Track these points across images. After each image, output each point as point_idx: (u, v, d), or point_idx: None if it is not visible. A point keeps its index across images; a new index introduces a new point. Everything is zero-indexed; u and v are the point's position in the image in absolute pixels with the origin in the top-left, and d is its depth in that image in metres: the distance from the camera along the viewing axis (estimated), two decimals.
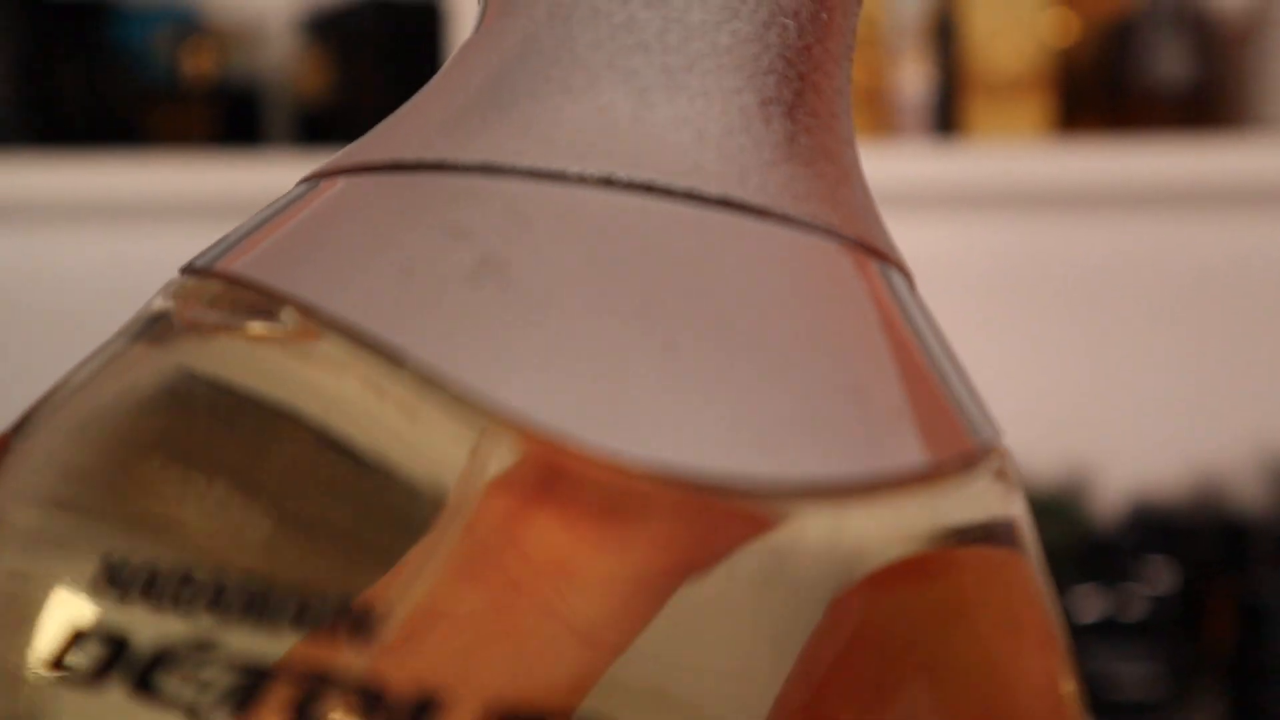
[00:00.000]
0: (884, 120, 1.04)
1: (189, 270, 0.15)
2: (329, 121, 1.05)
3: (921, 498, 0.13)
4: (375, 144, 0.14)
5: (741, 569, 0.12)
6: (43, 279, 1.20)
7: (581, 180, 0.13)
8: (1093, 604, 0.96)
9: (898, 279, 0.15)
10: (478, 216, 0.13)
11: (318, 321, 0.12)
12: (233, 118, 1.08)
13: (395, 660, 0.11)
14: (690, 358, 0.12)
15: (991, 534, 0.14)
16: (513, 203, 0.13)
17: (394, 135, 0.14)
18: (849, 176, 0.15)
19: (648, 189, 0.13)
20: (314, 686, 0.11)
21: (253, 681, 0.11)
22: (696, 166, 0.13)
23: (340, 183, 0.14)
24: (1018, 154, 1.01)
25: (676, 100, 0.13)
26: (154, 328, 0.15)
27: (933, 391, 0.14)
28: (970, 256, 1.14)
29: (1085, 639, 0.96)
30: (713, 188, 0.13)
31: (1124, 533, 1.05)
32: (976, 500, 0.13)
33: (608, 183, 0.13)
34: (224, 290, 0.14)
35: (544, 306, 0.12)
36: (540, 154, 0.13)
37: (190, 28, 1.10)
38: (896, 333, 0.13)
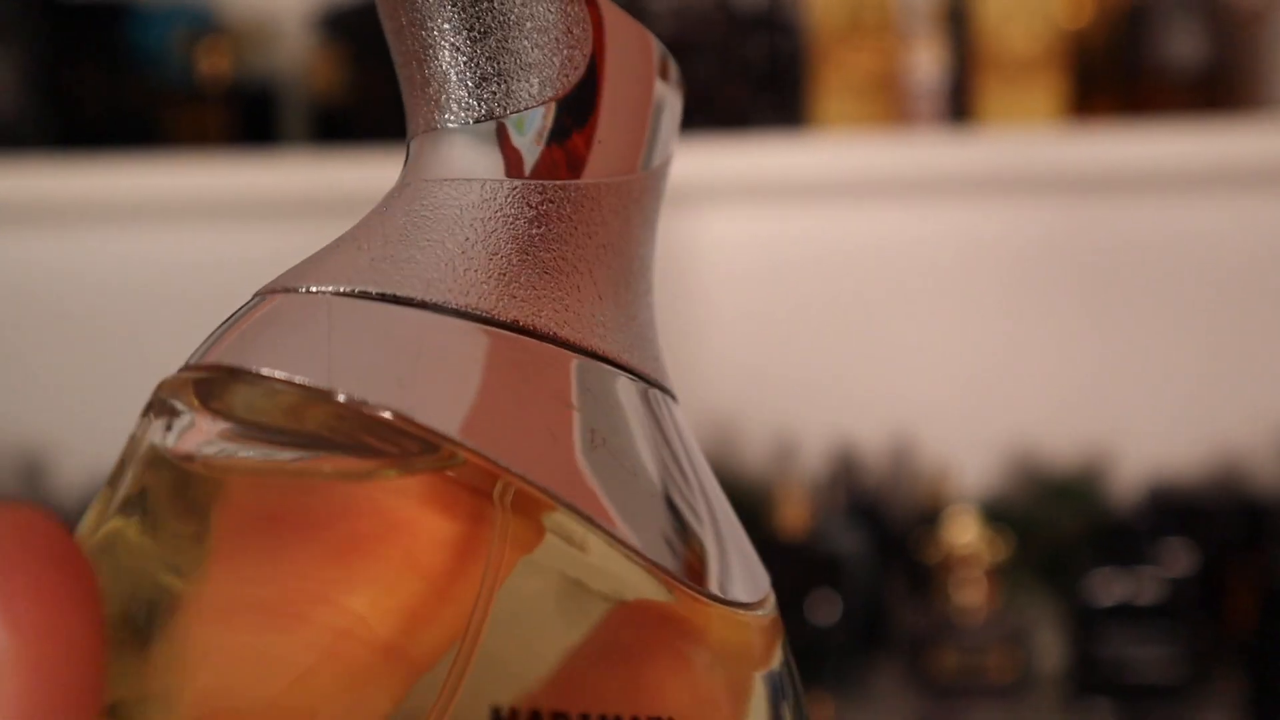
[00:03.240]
0: (898, 107, 1.04)
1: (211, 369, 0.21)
2: (344, 119, 1.06)
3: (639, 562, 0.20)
4: (322, 271, 0.22)
5: (556, 581, 0.19)
6: (63, 279, 1.22)
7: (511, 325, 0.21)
8: (1111, 587, 0.96)
9: (658, 397, 0.22)
10: (455, 343, 0.20)
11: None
12: (249, 117, 1.09)
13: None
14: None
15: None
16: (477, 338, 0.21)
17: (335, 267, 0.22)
18: (651, 331, 0.23)
19: (562, 342, 0.21)
20: None
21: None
22: (600, 325, 0.22)
23: (298, 299, 0.21)
24: (1032, 139, 1.01)
25: (572, 282, 0.22)
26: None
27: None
28: (987, 241, 1.14)
29: (1104, 623, 0.96)
30: (608, 348, 0.22)
31: (1142, 515, 1.05)
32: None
33: (488, 320, 0.21)
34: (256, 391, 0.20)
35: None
36: (498, 310, 0.21)
37: (205, 28, 1.11)
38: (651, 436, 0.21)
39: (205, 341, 0.22)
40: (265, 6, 1.16)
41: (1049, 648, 1.02)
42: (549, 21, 0.23)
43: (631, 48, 0.23)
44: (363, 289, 0.21)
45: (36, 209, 1.13)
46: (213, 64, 1.07)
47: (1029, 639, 0.98)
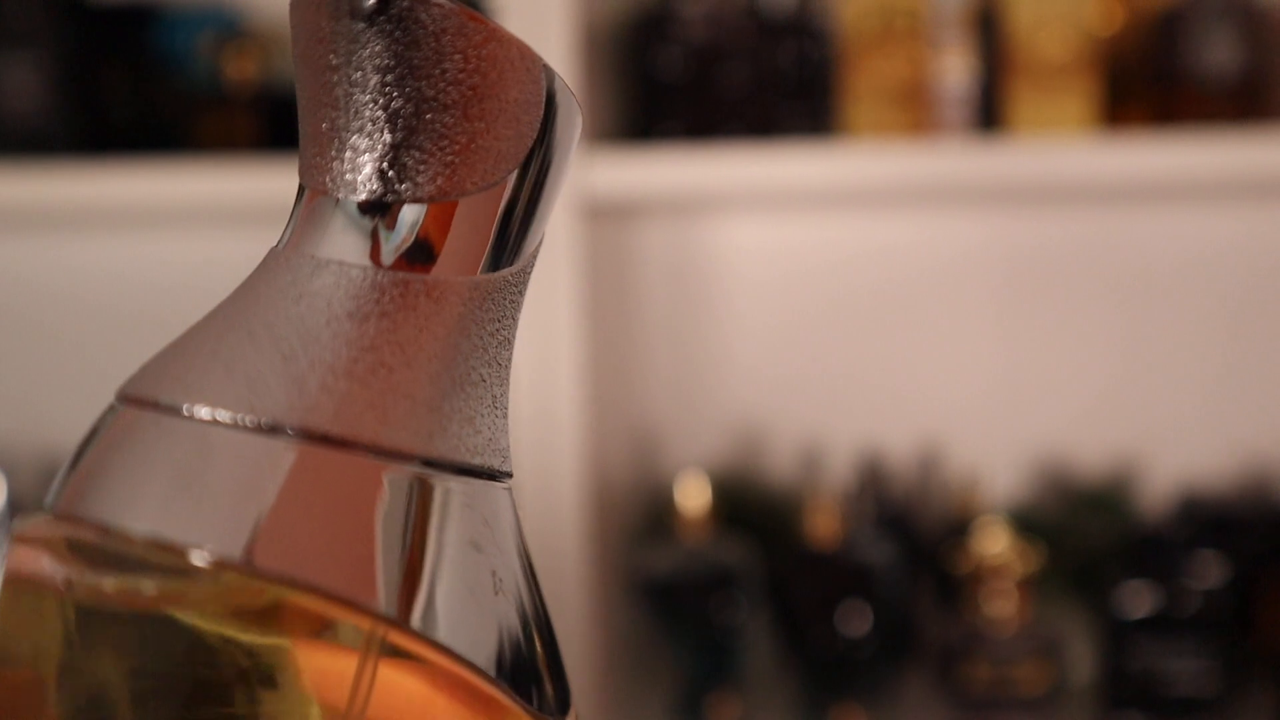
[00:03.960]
0: (927, 115, 1.03)
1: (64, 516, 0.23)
2: None
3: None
4: (185, 381, 0.23)
5: None
6: (88, 283, 1.21)
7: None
8: (1142, 599, 0.95)
9: (457, 489, 0.24)
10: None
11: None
12: (275, 122, 1.08)
13: None
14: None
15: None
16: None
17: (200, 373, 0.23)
18: (489, 416, 0.24)
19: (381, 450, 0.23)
20: None
21: None
22: (432, 423, 0.24)
23: (153, 418, 0.22)
24: (1062, 148, 1.00)
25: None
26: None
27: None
28: (1016, 250, 1.13)
29: (1136, 635, 0.95)
30: (440, 449, 0.24)
31: (1174, 526, 1.04)
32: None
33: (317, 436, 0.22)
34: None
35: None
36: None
37: (232, 32, 1.10)
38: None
39: (69, 466, 0.23)
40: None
41: (1080, 659, 1.01)
42: (469, 127, 0.23)
43: (509, 154, 0.24)
44: (223, 416, 0.22)
45: (62, 214, 1.13)
46: (239, 68, 1.07)
47: (1061, 651, 0.97)
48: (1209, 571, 0.97)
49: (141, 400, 0.22)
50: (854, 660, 0.97)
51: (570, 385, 0.94)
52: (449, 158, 0.22)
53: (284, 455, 0.21)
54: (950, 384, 1.15)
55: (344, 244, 0.23)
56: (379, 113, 0.22)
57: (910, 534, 1.06)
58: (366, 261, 0.22)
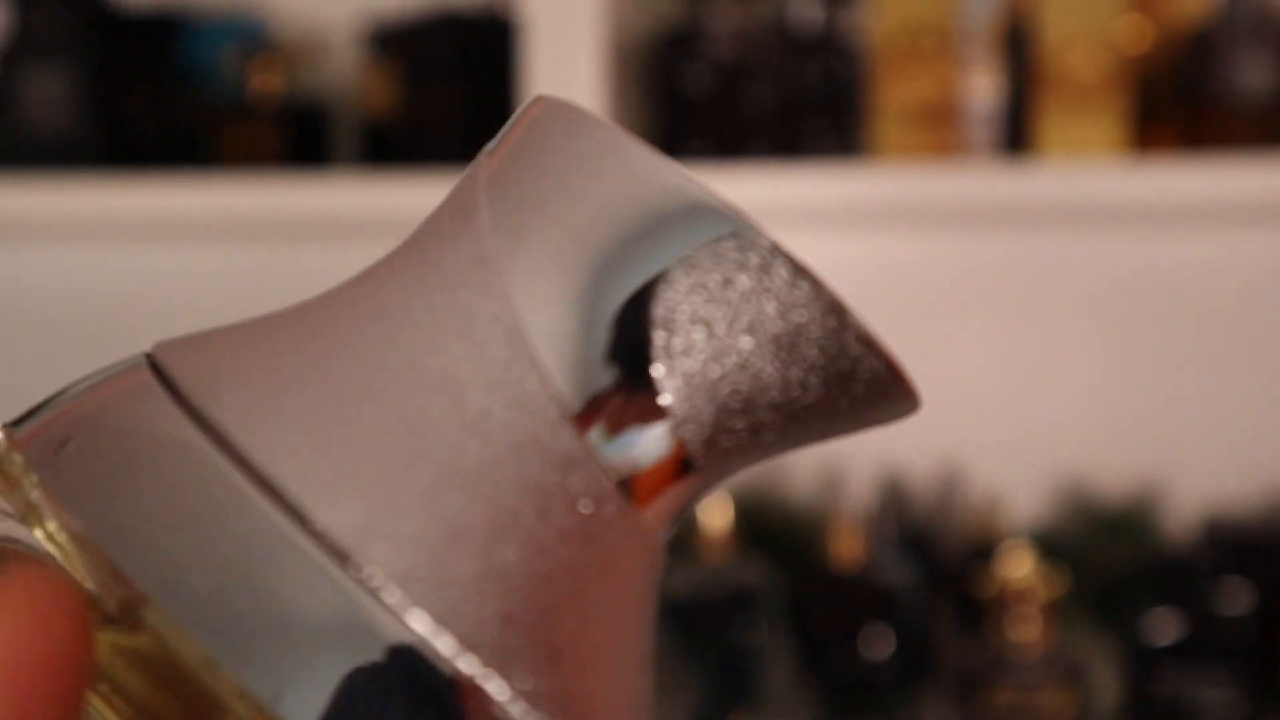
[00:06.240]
0: (954, 135, 1.02)
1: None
2: (396, 139, 1.05)
3: None
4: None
5: None
6: (110, 296, 1.21)
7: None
8: (1168, 626, 0.94)
9: None
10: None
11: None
12: (299, 136, 1.08)
13: None
14: None
15: None
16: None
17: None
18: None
19: None
20: None
21: None
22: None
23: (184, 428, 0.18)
24: (1090, 171, 0.99)
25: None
26: None
27: None
28: (1041, 273, 1.13)
29: (1160, 662, 0.94)
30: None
31: (1198, 552, 1.03)
32: None
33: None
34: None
35: None
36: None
37: (257, 45, 1.10)
38: None
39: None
40: (317, 23, 1.16)
41: (1104, 686, 1.00)
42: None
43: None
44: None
45: (86, 225, 1.13)
46: (264, 81, 1.07)
47: (1084, 677, 0.97)
48: (1235, 599, 0.96)
49: (252, 469, 0.16)
50: (874, 684, 0.96)
51: None
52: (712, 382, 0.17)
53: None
54: (972, 405, 1.14)
55: (564, 352, 0.16)
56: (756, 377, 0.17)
57: (931, 556, 1.05)
58: (583, 435, 0.16)
